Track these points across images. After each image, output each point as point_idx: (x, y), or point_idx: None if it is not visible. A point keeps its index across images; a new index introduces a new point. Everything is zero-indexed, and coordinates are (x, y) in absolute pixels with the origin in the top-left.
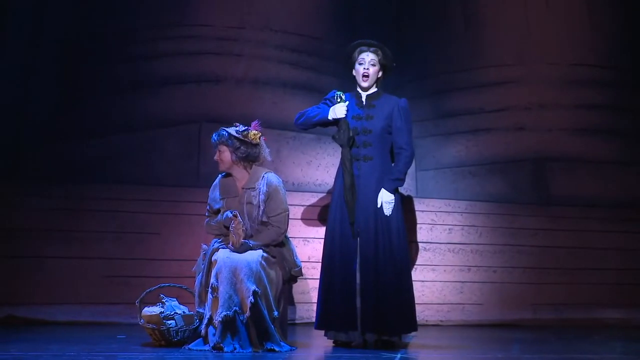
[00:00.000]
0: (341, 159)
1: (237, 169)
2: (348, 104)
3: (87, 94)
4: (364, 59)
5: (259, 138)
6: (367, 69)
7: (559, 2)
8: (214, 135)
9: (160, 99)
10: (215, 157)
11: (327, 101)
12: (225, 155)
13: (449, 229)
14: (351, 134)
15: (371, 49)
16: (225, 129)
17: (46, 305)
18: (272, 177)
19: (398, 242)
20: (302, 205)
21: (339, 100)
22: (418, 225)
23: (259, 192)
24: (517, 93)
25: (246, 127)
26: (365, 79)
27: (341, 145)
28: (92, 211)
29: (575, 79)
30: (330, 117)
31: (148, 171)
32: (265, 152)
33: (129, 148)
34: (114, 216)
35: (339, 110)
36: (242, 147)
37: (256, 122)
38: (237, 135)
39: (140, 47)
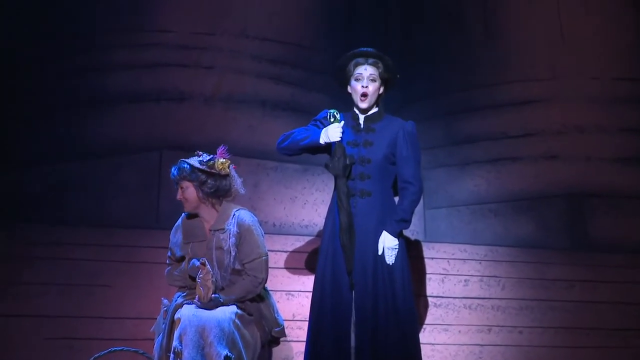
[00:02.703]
0: (335, 193)
1: (205, 209)
2: (343, 125)
3: (23, 115)
4: (361, 73)
5: (228, 167)
6: (366, 86)
7: (599, 3)
8: (173, 169)
9: (112, 121)
10: (178, 197)
11: (318, 122)
12: (190, 192)
13: (465, 281)
14: (348, 162)
15: (369, 60)
16: (186, 160)
17: None
18: (244, 214)
19: (403, 296)
20: (285, 251)
21: (332, 120)
22: (427, 276)
23: (229, 234)
24: (549, 114)
25: (211, 156)
26: (363, 98)
27: (336, 176)
28: (30, 258)
29: (619, 97)
30: (322, 141)
31: (98, 209)
32: (237, 184)
33: (75, 181)
34: (57, 264)
35: (332, 133)
36: (209, 181)
37: (222, 147)
38: (201, 167)
39: (88, 58)
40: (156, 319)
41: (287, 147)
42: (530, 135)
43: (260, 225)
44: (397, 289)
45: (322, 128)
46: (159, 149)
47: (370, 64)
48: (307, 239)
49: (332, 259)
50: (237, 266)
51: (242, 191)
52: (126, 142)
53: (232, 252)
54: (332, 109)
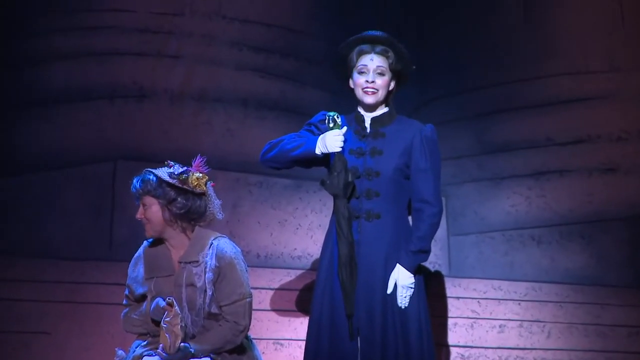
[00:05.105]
0: (334, 216)
1: (172, 233)
2: (345, 132)
3: None
4: (365, 65)
5: (205, 184)
6: (372, 81)
7: None
8: (135, 180)
9: (51, 126)
10: (139, 215)
11: (313, 127)
12: (153, 212)
13: (500, 327)
14: (350, 178)
15: (377, 48)
16: (153, 170)
17: None
18: (224, 244)
19: (419, 347)
20: (272, 289)
21: (332, 125)
22: (451, 321)
23: (205, 268)
24: (605, 115)
25: (185, 168)
26: (369, 94)
27: (335, 196)
28: None
29: None
30: (318, 152)
31: (34, 236)
32: (215, 206)
33: (4, 202)
34: None
35: (331, 142)
36: (179, 199)
37: (199, 158)
38: (171, 180)
39: (23, 45)
40: None
41: (274, 159)
42: (583, 142)
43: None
44: (412, 338)
45: (319, 134)
46: (113, 159)
47: (377, 53)
48: (300, 273)
49: (331, 299)
50: (214, 309)
51: (220, 216)
52: (70, 151)
53: (207, 290)
54: (331, 110)
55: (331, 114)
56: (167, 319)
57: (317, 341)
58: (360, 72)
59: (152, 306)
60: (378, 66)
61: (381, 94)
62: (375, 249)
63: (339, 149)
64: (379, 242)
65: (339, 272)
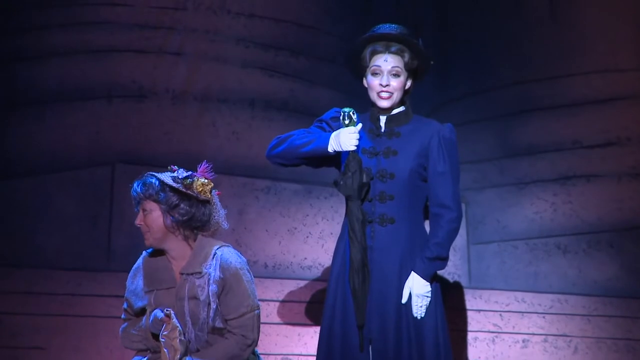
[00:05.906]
0: (346, 219)
1: (174, 242)
2: (360, 130)
3: None
4: (379, 66)
5: (210, 191)
6: (387, 84)
7: None
8: (135, 184)
9: (45, 126)
10: (138, 222)
11: (325, 124)
12: (154, 218)
13: (524, 341)
14: (365, 179)
15: (391, 48)
16: (156, 174)
17: None
18: (228, 254)
19: (436, 357)
20: (280, 301)
21: (347, 122)
22: (471, 335)
23: (209, 280)
24: (636, 116)
25: (190, 173)
26: (384, 98)
27: (347, 197)
28: None
29: None
30: (330, 149)
31: (25, 245)
32: (220, 216)
33: None
34: None
35: (345, 139)
36: (182, 205)
37: (204, 164)
38: (174, 184)
39: (16, 41)
40: None
41: (282, 155)
42: (612, 144)
43: (250, 267)
44: (428, 351)
45: (330, 131)
46: (111, 163)
47: (392, 53)
48: (311, 284)
49: (343, 307)
50: (218, 323)
51: (226, 225)
52: (65, 154)
53: (212, 304)
54: (346, 107)
55: (346, 110)
56: (165, 332)
57: (328, 351)
58: (374, 74)
59: (151, 318)
60: (393, 67)
61: (396, 97)
62: (389, 255)
63: (354, 148)
64: (393, 248)
65: (350, 279)
